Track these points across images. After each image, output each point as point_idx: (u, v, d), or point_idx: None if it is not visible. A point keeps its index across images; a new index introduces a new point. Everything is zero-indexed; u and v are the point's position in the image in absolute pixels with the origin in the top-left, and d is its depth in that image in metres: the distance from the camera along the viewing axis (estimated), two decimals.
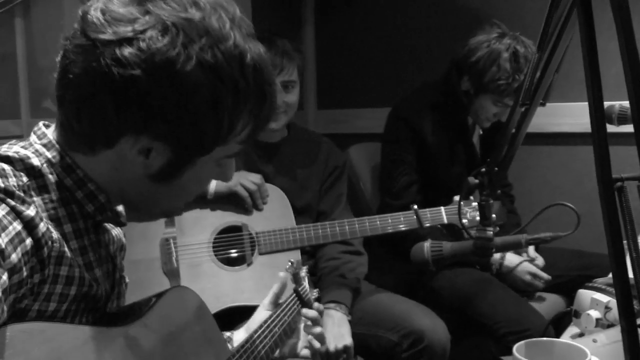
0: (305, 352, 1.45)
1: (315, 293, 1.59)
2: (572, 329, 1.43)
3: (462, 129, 2.43)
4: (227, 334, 1.31)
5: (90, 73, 0.86)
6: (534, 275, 2.30)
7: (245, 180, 1.93)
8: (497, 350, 2.12)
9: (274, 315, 1.38)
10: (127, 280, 1.18)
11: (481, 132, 2.51)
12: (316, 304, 1.47)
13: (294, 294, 1.51)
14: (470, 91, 2.30)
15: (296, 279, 1.54)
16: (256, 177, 1.96)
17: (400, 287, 2.33)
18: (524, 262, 2.34)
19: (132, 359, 0.95)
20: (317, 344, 1.49)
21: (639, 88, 0.82)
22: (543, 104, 1.15)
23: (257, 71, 0.92)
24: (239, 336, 1.37)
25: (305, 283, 1.56)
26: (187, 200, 1.07)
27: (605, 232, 0.90)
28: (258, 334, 1.31)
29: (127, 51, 0.85)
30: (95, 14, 0.88)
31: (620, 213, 0.90)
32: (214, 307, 1.82)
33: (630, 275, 0.90)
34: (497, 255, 2.34)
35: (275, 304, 1.47)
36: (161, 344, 1.02)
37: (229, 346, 1.29)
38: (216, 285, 1.86)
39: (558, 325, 1.79)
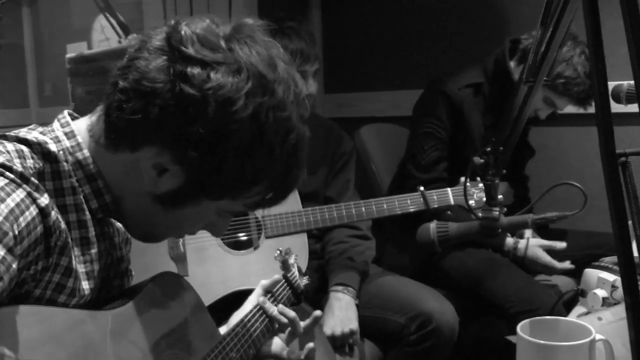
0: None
1: (305, 280, 1.59)
2: (579, 309, 1.43)
3: (498, 116, 2.38)
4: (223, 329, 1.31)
5: (156, 74, 0.89)
6: (549, 251, 2.28)
7: None
8: (507, 330, 2.11)
9: (250, 315, 1.37)
10: (132, 273, 1.19)
11: None
12: (292, 313, 1.44)
13: (284, 281, 1.51)
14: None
15: (285, 265, 1.53)
16: None
17: (412, 268, 2.34)
18: (534, 240, 2.32)
19: (121, 340, 0.96)
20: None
21: None
22: (547, 81, 1.14)
23: (294, 150, 0.96)
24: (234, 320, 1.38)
25: (295, 270, 1.56)
26: (173, 233, 1.09)
27: (609, 207, 0.89)
28: (249, 317, 1.31)
29: (197, 72, 0.88)
30: (186, 29, 0.91)
31: (624, 188, 0.89)
32: (221, 291, 1.83)
33: (635, 252, 0.89)
34: (510, 241, 2.33)
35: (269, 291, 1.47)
36: (151, 326, 1.04)
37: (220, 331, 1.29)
38: (223, 270, 1.86)
39: (569, 305, 1.78)
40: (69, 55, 3.09)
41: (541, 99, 2.24)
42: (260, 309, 1.39)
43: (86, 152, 0.97)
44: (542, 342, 0.99)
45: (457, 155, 2.35)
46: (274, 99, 0.91)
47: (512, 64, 2.29)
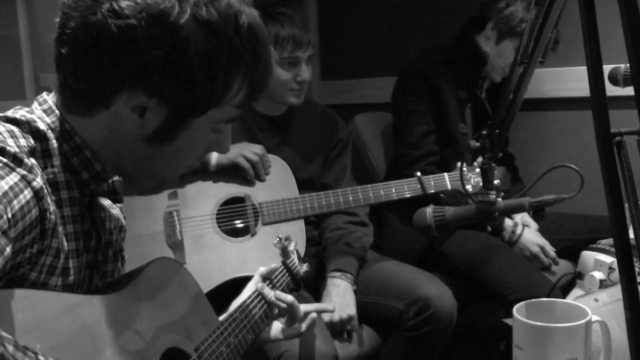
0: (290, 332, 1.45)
1: (305, 267, 1.59)
2: (577, 291, 1.43)
3: (472, 88, 2.44)
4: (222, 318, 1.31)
5: (87, 25, 0.89)
6: (542, 248, 2.29)
7: (247, 151, 1.92)
8: (505, 316, 2.12)
9: (249, 301, 1.37)
10: (125, 257, 1.19)
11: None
12: (290, 298, 1.45)
13: (283, 267, 1.52)
14: (493, 39, 2.34)
15: (284, 252, 1.54)
16: (258, 148, 1.95)
17: (412, 253, 2.34)
18: (535, 233, 2.34)
19: (117, 324, 0.96)
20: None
21: (638, 46, 0.81)
22: (542, 62, 1.13)
23: (251, 33, 0.94)
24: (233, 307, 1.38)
25: (294, 256, 1.57)
26: (181, 169, 1.07)
27: (604, 187, 0.89)
28: (247, 303, 1.31)
29: (124, 3, 0.87)
30: None
31: (619, 168, 0.89)
32: (219, 278, 1.83)
33: (631, 233, 0.89)
34: (509, 223, 2.34)
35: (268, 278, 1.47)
36: (147, 310, 1.04)
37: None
38: (220, 257, 1.86)
39: (567, 289, 1.78)
40: None
41: (513, 50, 2.28)
42: (259, 294, 1.39)
43: (67, 126, 0.97)
44: (538, 323, 0.99)
45: (439, 130, 2.39)
46: None
47: (478, 38, 2.37)
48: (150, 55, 0.88)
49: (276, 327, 1.46)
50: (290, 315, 1.45)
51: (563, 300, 1.11)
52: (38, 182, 0.85)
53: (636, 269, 0.87)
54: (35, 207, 0.84)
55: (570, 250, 2.29)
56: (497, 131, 1.29)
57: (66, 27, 0.91)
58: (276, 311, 1.44)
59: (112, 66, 0.89)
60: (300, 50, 1.97)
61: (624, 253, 0.87)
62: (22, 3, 3.62)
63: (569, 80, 2.63)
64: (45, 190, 0.86)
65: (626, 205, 0.87)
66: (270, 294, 1.41)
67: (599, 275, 1.34)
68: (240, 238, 1.91)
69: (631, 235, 0.88)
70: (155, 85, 0.90)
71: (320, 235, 2.15)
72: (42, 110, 0.97)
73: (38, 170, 0.87)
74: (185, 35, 0.88)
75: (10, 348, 0.68)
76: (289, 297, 1.43)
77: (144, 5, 0.87)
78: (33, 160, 0.88)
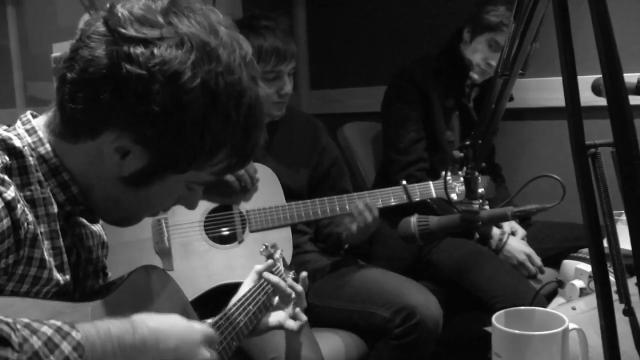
0: (291, 323, 1.48)
1: (291, 274, 1.61)
2: (558, 299, 1.45)
3: (459, 96, 2.47)
4: (209, 321, 1.33)
5: (100, 59, 0.90)
6: (529, 257, 2.32)
7: None
8: (489, 324, 2.13)
9: (249, 294, 1.40)
10: (109, 274, 1.21)
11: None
12: (299, 287, 1.49)
13: (280, 258, 1.55)
14: (468, 40, 2.38)
15: (270, 264, 1.56)
16: None
17: (402, 260, 2.35)
18: (521, 242, 2.36)
19: None
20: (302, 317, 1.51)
21: (610, 54, 0.83)
22: (522, 74, 1.15)
23: (250, 112, 0.96)
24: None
25: (280, 264, 1.58)
26: (146, 214, 1.09)
27: (579, 198, 0.91)
28: (232, 311, 1.33)
29: (140, 51, 0.89)
30: (122, 10, 0.92)
31: (594, 180, 0.91)
32: (206, 285, 1.84)
33: (605, 243, 0.91)
34: (497, 231, 2.36)
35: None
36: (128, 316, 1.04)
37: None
38: (208, 264, 1.87)
39: (552, 297, 1.80)
40: (54, 54, 3.08)
41: (486, 47, 2.33)
42: (258, 287, 1.43)
43: (48, 147, 0.98)
44: (516, 331, 1.01)
45: (427, 137, 2.43)
46: (220, 64, 0.92)
47: (462, 46, 2.41)
48: (149, 108, 0.89)
49: (278, 315, 1.48)
50: (297, 302, 1.49)
51: (541, 308, 1.12)
52: (9, 194, 0.86)
53: (610, 278, 0.89)
54: (6, 217, 0.85)
55: (556, 258, 2.30)
56: (480, 141, 1.31)
57: (78, 53, 0.92)
58: (276, 300, 1.48)
59: (110, 104, 0.90)
60: (284, 64, 1.97)
61: (598, 262, 0.89)
62: (12, 13, 3.63)
63: (554, 90, 2.66)
64: (17, 202, 0.87)
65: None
66: (276, 278, 1.46)
67: (579, 283, 1.36)
68: (227, 245, 1.92)
69: (605, 245, 0.90)
70: (145, 134, 0.91)
71: (316, 238, 2.19)
72: (25, 130, 0.99)
73: (10, 184, 0.88)
74: (189, 100, 0.90)
75: None
76: (299, 287, 1.49)
77: (159, 60, 0.88)
78: (5, 176, 0.88)
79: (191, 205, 1.09)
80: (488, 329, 1.10)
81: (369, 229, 1.95)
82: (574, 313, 1.20)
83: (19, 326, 0.74)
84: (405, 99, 2.43)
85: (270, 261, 1.53)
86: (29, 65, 3.49)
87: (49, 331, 0.76)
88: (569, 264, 1.43)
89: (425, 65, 2.48)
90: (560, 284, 1.42)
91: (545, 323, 1.04)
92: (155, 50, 0.89)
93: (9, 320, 0.73)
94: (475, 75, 2.41)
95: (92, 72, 0.90)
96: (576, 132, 0.90)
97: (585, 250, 1.46)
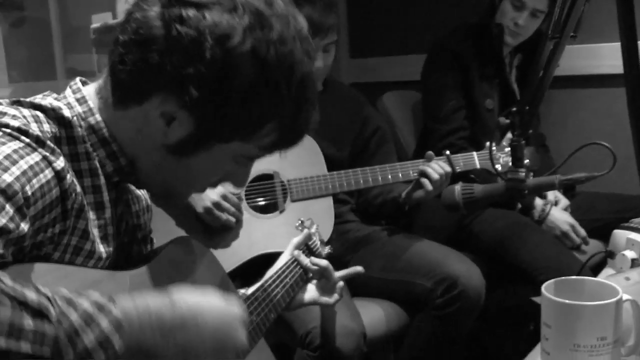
0: (324, 298, 1.49)
1: (327, 249, 1.61)
2: (607, 270, 1.41)
3: (499, 63, 2.43)
4: (242, 291, 1.33)
5: (152, 21, 0.90)
6: (573, 227, 2.27)
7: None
8: (534, 296, 2.10)
9: (285, 267, 1.41)
10: (154, 240, 1.21)
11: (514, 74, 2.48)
12: (324, 261, 1.48)
13: (306, 249, 1.54)
14: (497, 3, 2.35)
15: (306, 234, 1.56)
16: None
17: (443, 231, 2.34)
18: (565, 212, 2.32)
19: None
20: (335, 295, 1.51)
21: None
22: (574, 37, 1.11)
23: (302, 86, 0.94)
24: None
25: (316, 238, 1.58)
26: (192, 188, 1.08)
27: (637, 164, 0.87)
28: (269, 283, 1.33)
29: (192, 13, 0.88)
30: None
31: None
32: (247, 254, 1.85)
33: None
34: (540, 202, 2.33)
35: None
36: (166, 286, 1.04)
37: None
38: (249, 233, 1.88)
39: (597, 269, 1.76)
40: (93, 25, 3.10)
41: (510, 7, 2.30)
42: (294, 261, 1.44)
43: (98, 117, 0.98)
44: (567, 301, 0.98)
45: (466, 105, 2.40)
46: (272, 33, 0.90)
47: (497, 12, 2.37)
48: (197, 70, 0.88)
49: (312, 291, 1.49)
50: (325, 279, 1.48)
51: (593, 278, 1.09)
52: (59, 164, 0.86)
53: None
54: (56, 187, 0.86)
55: (601, 230, 2.26)
56: (527, 108, 1.27)
57: (132, 16, 0.92)
58: (310, 275, 1.48)
59: (158, 65, 0.89)
60: (316, 37, 1.89)
61: None
62: None
63: (603, 56, 2.59)
64: (66, 172, 0.87)
65: None
66: (305, 260, 1.46)
67: (630, 254, 1.32)
68: (268, 215, 1.92)
69: None
70: (190, 98, 0.90)
71: (365, 209, 2.20)
72: (75, 99, 0.99)
73: (60, 154, 0.88)
74: (237, 64, 0.88)
75: (9, 282, 0.70)
76: (324, 262, 1.47)
77: (210, 22, 0.88)
78: (54, 146, 0.88)
79: (239, 183, 1.07)
80: (536, 299, 1.07)
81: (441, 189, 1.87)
82: (627, 283, 1.16)
83: (57, 299, 0.73)
84: (443, 68, 2.42)
85: (306, 231, 1.53)
86: (68, 37, 3.52)
87: (87, 306, 0.75)
88: (620, 234, 1.39)
89: (464, 33, 2.45)
90: (611, 254, 1.38)
91: (597, 293, 1.01)
92: (207, 14, 0.88)
93: (48, 293, 0.73)
94: (508, 38, 2.37)
95: (143, 33, 0.90)
96: (634, 97, 0.86)
97: (638, 220, 1.42)
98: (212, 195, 1.80)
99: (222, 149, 0.97)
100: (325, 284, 1.48)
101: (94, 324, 0.74)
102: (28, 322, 0.69)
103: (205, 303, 0.89)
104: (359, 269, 1.59)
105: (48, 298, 0.72)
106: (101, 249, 0.98)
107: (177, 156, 0.97)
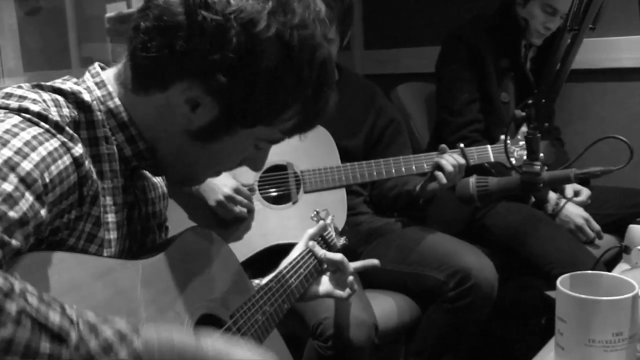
0: (339, 292, 1.46)
1: (342, 240, 1.60)
2: (622, 265, 1.40)
3: (515, 56, 2.41)
4: (256, 281, 1.32)
5: (175, 7, 0.89)
6: (587, 221, 2.26)
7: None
8: (547, 290, 2.09)
9: (299, 257, 1.40)
10: (169, 228, 1.21)
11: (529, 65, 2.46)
12: (339, 255, 1.47)
13: (321, 240, 1.53)
14: (521, 3, 2.32)
15: (322, 226, 1.55)
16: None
17: (456, 223, 2.33)
18: (579, 207, 2.30)
19: (152, 289, 0.97)
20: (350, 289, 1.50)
21: None
22: (593, 29, 1.10)
23: (323, 68, 0.95)
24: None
25: (331, 229, 1.58)
26: (212, 172, 1.08)
27: None
28: (283, 273, 1.32)
29: None
30: None
31: None
32: (260, 244, 1.85)
33: None
34: (553, 195, 2.31)
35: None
36: (183, 276, 1.04)
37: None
38: (262, 223, 1.88)
39: (611, 265, 1.75)
40: (108, 14, 3.10)
41: (540, 11, 2.27)
42: (309, 252, 1.43)
43: (117, 101, 0.98)
44: (583, 296, 0.97)
45: (481, 98, 2.39)
46: (295, 17, 0.91)
47: (517, 6, 2.35)
48: (223, 55, 0.88)
49: (326, 284, 1.47)
50: (340, 272, 1.47)
51: (609, 273, 1.08)
52: (77, 150, 0.86)
53: None
54: (74, 173, 0.86)
55: (615, 225, 2.25)
56: (543, 100, 1.26)
57: (152, 2, 0.91)
58: (325, 266, 1.47)
59: (184, 51, 0.89)
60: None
61: None
62: None
63: (620, 49, 2.56)
64: (84, 158, 0.87)
65: None
66: (320, 251, 1.44)
67: None
68: (282, 205, 1.92)
69: None
70: (217, 84, 0.90)
71: (379, 201, 2.19)
72: (94, 83, 0.98)
73: (79, 141, 0.88)
74: (263, 49, 0.89)
75: (34, 301, 0.69)
76: (338, 255, 1.45)
77: (235, 8, 0.88)
78: (73, 132, 0.88)
79: (257, 166, 1.08)
80: (551, 293, 1.07)
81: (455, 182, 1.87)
82: None
83: (81, 323, 0.72)
84: (458, 60, 2.40)
85: (321, 222, 1.52)
86: (83, 26, 3.52)
87: (109, 334, 0.74)
88: (635, 229, 1.38)
89: (479, 25, 2.43)
90: (626, 249, 1.37)
91: (613, 288, 1.00)
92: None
93: (73, 315, 0.72)
94: (535, 40, 2.36)
95: (167, 19, 0.89)
96: None
97: None
98: (225, 188, 1.81)
99: (246, 133, 0.97)
100: (340, 277, 1.47)
101: (112, 353, 0.73)
102: (45, 345, 0.68)
103: (233, 353, 0.85)
104: (375, 261, 1.58)
105: (72, 321, 0.71)
106: (112, 235, 0.98)
107: (201, 141, 0.97)
